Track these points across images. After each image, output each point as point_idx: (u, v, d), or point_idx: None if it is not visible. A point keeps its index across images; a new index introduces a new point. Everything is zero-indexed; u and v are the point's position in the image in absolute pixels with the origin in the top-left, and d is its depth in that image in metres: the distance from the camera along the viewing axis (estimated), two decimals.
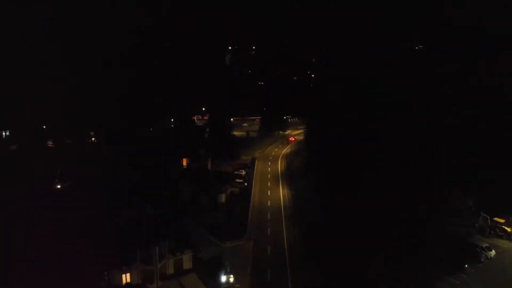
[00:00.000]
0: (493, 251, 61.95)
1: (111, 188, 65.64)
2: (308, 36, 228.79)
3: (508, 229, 67.66)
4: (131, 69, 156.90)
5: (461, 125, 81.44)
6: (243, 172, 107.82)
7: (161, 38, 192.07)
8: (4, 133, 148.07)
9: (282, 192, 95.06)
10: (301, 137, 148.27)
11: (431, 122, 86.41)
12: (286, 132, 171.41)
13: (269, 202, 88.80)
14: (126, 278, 50.23)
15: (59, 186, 75.17)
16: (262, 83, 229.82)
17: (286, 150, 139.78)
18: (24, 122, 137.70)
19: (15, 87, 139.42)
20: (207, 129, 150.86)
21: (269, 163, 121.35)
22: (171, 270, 53.30)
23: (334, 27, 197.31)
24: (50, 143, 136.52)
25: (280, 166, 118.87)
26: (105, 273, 49.47)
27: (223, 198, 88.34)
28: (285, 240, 69.50)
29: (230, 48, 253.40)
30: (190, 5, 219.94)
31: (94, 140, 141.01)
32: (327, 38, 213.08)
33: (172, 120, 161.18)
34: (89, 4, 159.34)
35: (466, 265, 57.92)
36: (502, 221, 68.80)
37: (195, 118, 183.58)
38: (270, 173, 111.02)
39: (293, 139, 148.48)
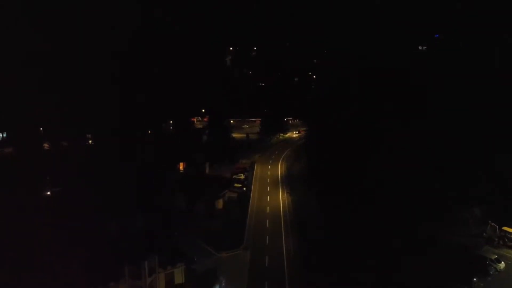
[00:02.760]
0: (503, 263, 58.80)
1: (101, 195, 62.65)
2: (309, 37, 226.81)
3: None
4: (129, 71, 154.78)
5: (464, 130, 78.53)
6: (242, 177, 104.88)
7: (161, 38, 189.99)
8: (1, 135, 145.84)
9: (281, 198, 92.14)
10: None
11: (434, 128, 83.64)
12: (287, 135, 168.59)
13: (268, 208, 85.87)
14: None
15: (49, 193, 72.52)
16: (263, 84, 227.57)
17: (286, 153, 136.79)
18: (20, 124, 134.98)
19: (11, 89, 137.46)
20: (206, 131, 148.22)
21: (269, 167, 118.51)
22: (161, 285, 50.21)
23: (336, 28, 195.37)
24: (46, 146, 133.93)
25: (280, 170, 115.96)
26: None
27: (220, 204, 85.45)
28: (284, 250, 66.53)
29: (231, 48, 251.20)
30: (191, 6, 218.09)
31: (91, 142, 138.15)
32: (328, 39, 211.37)
33: (171, 122, 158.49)
34: (85, 4, 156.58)
35: (474, 279, 54.80)
36: (511, 230, 65.55)
37: (195, 119, 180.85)
38: (270, 177, 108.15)
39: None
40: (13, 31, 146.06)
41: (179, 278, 51.62)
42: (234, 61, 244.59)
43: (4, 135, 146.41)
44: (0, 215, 59.45)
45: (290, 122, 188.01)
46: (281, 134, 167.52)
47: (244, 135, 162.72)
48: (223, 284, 52.41)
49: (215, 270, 56.76)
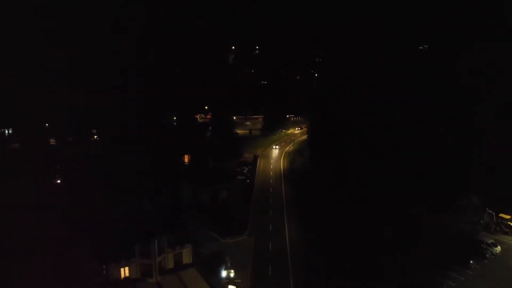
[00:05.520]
0: (499, 247, 60.88)
1: (110, 183, 64.92)
2: (311, 36, 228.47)
3: None
4: (134, 68, 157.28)
5: (462, 121, 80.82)
6: (245, 170, 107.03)
7: (165, 37, 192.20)
8: (7, 131, 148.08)
9: (284, 190, 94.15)
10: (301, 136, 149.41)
11: (432, 119, 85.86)
12: (289, 131, 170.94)
13: (271, 199, 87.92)
14: (124, 272, 49.47)
15: (59, 181, 74.85)
16: (265, 82, 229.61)
17: (288, 148, 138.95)
18: (26, 120, 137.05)
19: (17, 86, 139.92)
20: (210, 127, 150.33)
21: (272, 161, 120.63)
22: (170, 265, 52.50)
23: (337, 26, 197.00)
24: (52, 141, 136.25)
25: (282, 164, 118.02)
26: (104, 267, 48.71)
27: (224, 195, 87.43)
28: (287, 237, 68.63)
29: (233, 48, 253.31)
30: (195, 6, 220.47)
31: (97, 138, 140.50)
32: (330, 38, 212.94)
33: (174, 118, 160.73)
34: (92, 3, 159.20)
35: (471, 261, 56.85)
36: (508, 217, 67.64)
37: (198, 116, 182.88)
38: (272, 171, 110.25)
39: None
40: (20, 31, 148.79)
41: (187, 259, 53.83)
42: (236, 60, 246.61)
43: (10, 131, 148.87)
44: (12, 203, 61.81)
45: (292, 119, 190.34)
46: (283, 131, 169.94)
47: (247, 131, 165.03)
48: (229, 265, 54.37)
49: (220, 253, 58.86)
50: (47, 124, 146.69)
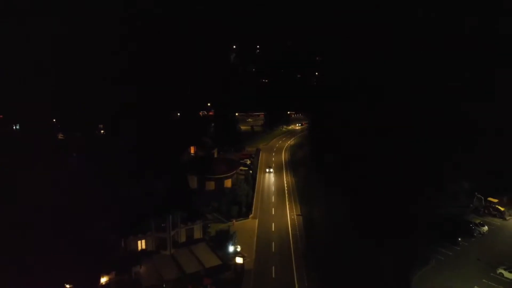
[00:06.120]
0: (486, 227, 65.39)
1: (124, 167, 69.63)
2: (311, 36, 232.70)
3: (502, 208, 71.01)
4: (138, 66, 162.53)
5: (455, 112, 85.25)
6: (248, 162, 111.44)
7: (169, 35, 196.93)
8: (14, 127, 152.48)
9: (286, 179, 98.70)
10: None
11: (426, 110, 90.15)
12: (290, 127, 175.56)
13: (273, 187, 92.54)
14: (141, 244, 54.13)
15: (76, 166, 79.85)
16: (266, 80, 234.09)
17: (289, 142, 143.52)
18: (34, 115, 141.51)
19: (25, 82, 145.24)
20: (213, 124, 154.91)
21: (273, 154, 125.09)
22: (183, 239, 57.16)
23: (337, 25, 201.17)
24: (60, 136, 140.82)
25: (283, 156, 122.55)
26: (122, 239, 53.27)
27: (228, 183, 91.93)
28: (288, 219, 73.26)
29: (235, 47, 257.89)
30: (198, 5, 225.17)
31: (103, 132, 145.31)
32: (330, 37, 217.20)
33: (178, 114, 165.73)
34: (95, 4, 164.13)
35: (459, 239, 61.33)
36: (495, 200, 72.27)
37: (200, 113, 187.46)
38: (275, 163, 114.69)
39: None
40: (22, 30, 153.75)
41: (198, 234, 58.54)
42: (238, 59, 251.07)
43: (17, 127, 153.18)
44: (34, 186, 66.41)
45: (292, 115, 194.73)
46: (285, 127, 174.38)
47: (249, 127, 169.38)
48: (236, 241, 58.92)
49: (228, 231, 63.52)
50: (54, 120, 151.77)
